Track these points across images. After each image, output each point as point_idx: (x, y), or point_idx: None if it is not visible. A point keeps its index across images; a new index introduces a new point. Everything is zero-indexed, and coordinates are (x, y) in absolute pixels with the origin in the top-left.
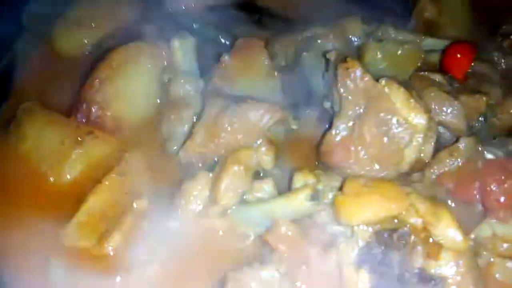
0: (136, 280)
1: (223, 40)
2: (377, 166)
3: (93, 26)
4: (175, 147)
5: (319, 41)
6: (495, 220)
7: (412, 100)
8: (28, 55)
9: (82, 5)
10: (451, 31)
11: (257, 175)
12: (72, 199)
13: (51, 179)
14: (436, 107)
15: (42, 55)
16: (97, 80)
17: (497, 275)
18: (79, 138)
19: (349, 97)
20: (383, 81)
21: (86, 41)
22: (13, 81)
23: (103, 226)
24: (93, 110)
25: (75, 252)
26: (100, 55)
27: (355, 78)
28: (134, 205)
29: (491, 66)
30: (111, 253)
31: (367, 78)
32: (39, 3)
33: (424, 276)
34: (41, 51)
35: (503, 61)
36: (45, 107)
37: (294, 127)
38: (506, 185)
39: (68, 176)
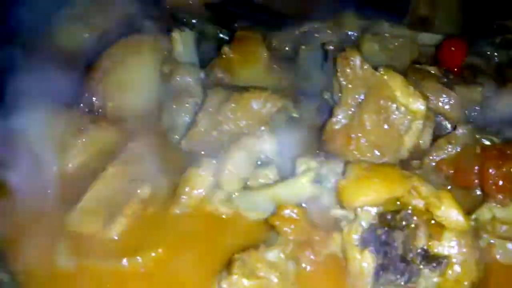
0: (141, 263)
1: (221, 35)
2: (377, 153)
3: (93, 21)
4: (176, 136)
5: (316, 35)
6: (494, 204)
7: (411, 87)
8: (28, 50)
9: (82, 0)
10: (445, 27)
11: (260, 162)
12: (76, 187)
13: (55, 168)
14: (433, 98)
15: (42, 50)
16: (99, 72)
17: (497, 256)
18: (82, 127)
19: (349, 86)
20: (381, 69)
21: (86, 36)
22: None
23: (108, 212)
24: (95, 100)
25: (80, 237)
26: (101, 50)
27: (354, 66)
28: (138, 191)
29: (484, 59)
30: (116, 238)
31: (366, 66)
32: None
33: (428, 256)
34: (41, 46)
35: (496, 55)
36: (45, 99)
37: (295, 115)
38: (504, 169)
39: (72, 165)
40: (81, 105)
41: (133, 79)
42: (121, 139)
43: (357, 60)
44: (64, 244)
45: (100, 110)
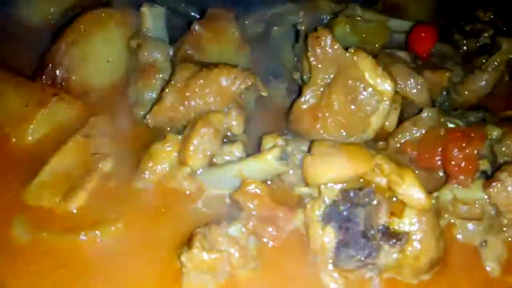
0: (100, 237)
1: (193, 14)
2: (344, 133)
3: None
4: (142, 112)
5: (289, 16)
6: (456, 185)
7: (379, 68)
8: None
9: None
10: (416, 14)
11: (227, 139)
12: (36, 160)
13: (14, 140)
14: (401, 81)
15: (7, 24)
16: (63, 44)
17: (458, 236)
18: (43, 100)
19: (319, 65)
20: (351, 50)
21: (52, 10)
22: None
23: (67, 186)
24: (58, 73)
25: (38, 210)
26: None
27: (325, 46)
28: (100, 165)
29: (454, 47)
30: (75, 211)
31: (336, 46)
32: None
33: (388, 233)
34: (5, 19)
35: (465, 43)
36: (7, 70)
37: (264, 94)
38: (467, 151)
39: (31, 138)
40: (44, 77)
41: (98, 52)
42: (84, 113)
43: (328, 40)
44: (21, 218)
45: (63, 83)
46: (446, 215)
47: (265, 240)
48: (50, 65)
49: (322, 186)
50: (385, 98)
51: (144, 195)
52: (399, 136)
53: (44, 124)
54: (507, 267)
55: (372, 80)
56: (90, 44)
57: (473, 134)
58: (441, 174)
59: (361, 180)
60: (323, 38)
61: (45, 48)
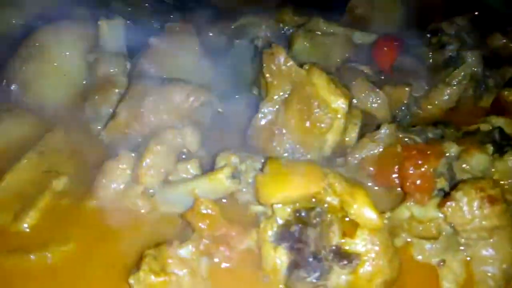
0: (50, 258)
1: (156, 25)
2: (301, 150)
3: (22, 6)
4: (98, 127)
5: (251, 29)
6: (412, 203)
7: (332, 85)
8: None
9: None
10: (381, 27)
11: (182, 156)
12: None
13: None
14: (362, 96)
15: None
16: (18, 58)
17: (417, 256)
18: None
19: (274, 82)
20: (306, 67)
21: (14, 22)
22: None
23: (20, 204)
24: (13, 88)
25: None
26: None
27: (279, 63)
28: (53, 184)
29: (417, 60)
30: (27, 230)
31: (290, 63)
32: None
33: (340, 253)
34: None
35: (430, 56)
36: None
37: (220, 110)
38: (423, 169)
39: None
40: None
41: (55, 67)
42: (39, 129)
43: (281, 57)
44: None
45: (18, 98)
46: (403, 234)
47: (217, 260)
48: (5, 80)
49: (275, 206)
50: (339, 116)
51: (97, 214)
52: (358, 152)
53: None
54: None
55: (326, 97)
56: (45, 58)
57: (429, 152)
58: (398, 190)
59: (314, 199)
60: (277, 55)
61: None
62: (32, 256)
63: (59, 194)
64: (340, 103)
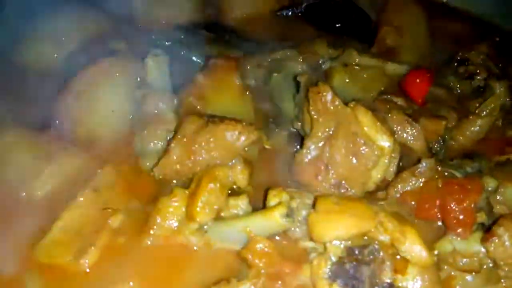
0: None
1: (195, 59)
2: (345, 185)
3: (62, 39)
4: (148, 163)
5: (288, 62)
6: (454, 237)
7: (378, 124)
8: None
9: (51, 18)
10: (410, 57)
11: (231, 191)
12: (45, 215)
13: (23, 194)
14: (399, 129)
15: (9, 69)
16: (70, 96)
17: None
18: (51, 153)
19: (320, 119)
20: (351, 105)
21: (55, 55)
22: None
23: (79, 243)
24: (66, 125)
25: (51, 268)
26: (72, 70)
27: (325, 101)
28: (109, 221)
29: (447, 91)
30: (87, 270)
31: (337, 102)
32: (7, 14)
33: None
34: (8, 64)
35: (458, 86)
36: (14, 122)
37: (267, 147)
38: (465, 204)
39: (40, 192)
40: (51, 130)
41: (104, 103)
42: (91, 166)
43: (328, 96)
44: (33, 276)
45: (70, 136)
46: (445, 267)
47: None
48: (57, 117)
49: (328, 243)
50: (385, 153)
51: (153, 251)
52: (398, 186)
53: (53, 178)
54: None
55: (372, 135)
56: (95, 95)
57: (470, 187)
58: (439, 223)
59: (365, 237)
60: (324, 93)
61: (50, 97)
62: None
63: (116, 232)
64: (386, 141)
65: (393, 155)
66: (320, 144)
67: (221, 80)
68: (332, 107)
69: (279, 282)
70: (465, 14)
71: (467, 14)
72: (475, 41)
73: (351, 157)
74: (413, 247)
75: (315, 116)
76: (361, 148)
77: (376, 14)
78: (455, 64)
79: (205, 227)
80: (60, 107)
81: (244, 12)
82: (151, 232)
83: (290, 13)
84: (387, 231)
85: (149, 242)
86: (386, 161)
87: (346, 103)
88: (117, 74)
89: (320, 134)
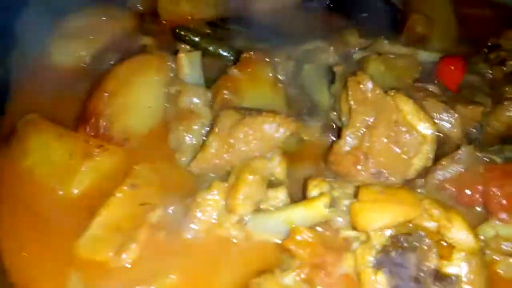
0: None
1: (223, 53)
2: (385, 173)
3: (90, 37)
4: (184, 158)
5: (319, 53)
6: (497, 222)
7: (421, 111)
8: (23, 68)
9: (77, 16)
10: (441, 44)
11: (269, 182)
12: (83, 212)
13: (61, 193)
14: (435, 116)
15: (39, 68)
16: (105, 93)
17: (501, 272)
18: (88, 151)
19: (359, 109)
20: (391, 93)
21: (83, 53)
22: (7, 95)
23: (119, 238)
24: (102, 123)
25: (92, 265)
26: (102, 68)
27: (366, 90)
28: (149, 216)
29: (480, 77)
30: (129, 266)
31: (378, 91)
32: (33, 13)
33: (438, 276)
34: (37, 63)
35: (490, 72)
36: (49, 121)
37: (305, 138)
38: (507, 189)
39: (77, 190)
40: (87, 128)
41: (139, 100)
42: (126, 161)
43: (369, 85)
44: (75, 273)
45: (106, 133)
46: (488, 252)
47: (319, 287)
48: (93, 115)
49: (372, 232)
50: (427, 141)
51: (194, 245)
52: (439, 173)
53: (89, 175)
54: None
55: (415, 123)
56: (130, 92)
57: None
58: (479, 209)
59: (410, 224)
60: (364, 83)
61: (81, 94)
62: None
63: (155, 227)
64: (429, 130)
65: None
66: (359, 134)
67: (254, 73)
68: (372, 96)
69: (323, 271)
70: (492, 0)
71: (495, 1)
72: (504, 27)
73: (392, 145)
74: (460, 233)
75: (354, 106)
76: (403, 136)
77: (402, 3)
78: (486, 50)
79: (246, 219)
80: (95, 105)
81: (270, 5)
82: (191, 226)
83: (315, 4)
84: (432, 218)
85: (189, 236)
86: (428, 148)
87: (385, 92)
88: (150, 70)
89: (359, 124)
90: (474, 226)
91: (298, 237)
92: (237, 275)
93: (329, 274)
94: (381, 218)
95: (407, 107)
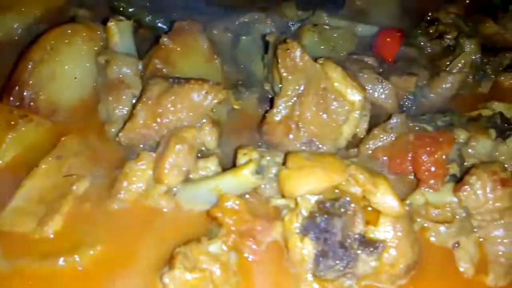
0: (79, 262)
1: (160, 25)
2: (316, 142)
3: (23, 10)
4: (113, 129)
5: (256, 25)
6: (427, 189)
7: (348, 78)
8: None
9: None
10: (381, 18)
11: (201, 153)
12: (8, 184)
13: None
14: (369, 87)
15: None
16: (30, 63)
17: (431, 239)
18: (12, 122)
19: (289, 77)
20: (321, 61)
21: (15, 26)
22: None
23: (42, 210)
24: (26, 93)
25: (14, 237)
26: (32, 39)
27: (294, 58)
28: (74, 187)
29: (418, 50)
30: (51, 236)
31: (306, 58)
32: None
33: (365, 241)
34: None
35: (429, 45)
36: None
37: (236, 107)
38: (436, 156)
39: (1, 161)
40: (11, 98)
41: (66, 70)
42: (54, 133)
43: (297, 52)
44: None
45: (31, 103)
46: (418, 219)
47: (245, 255)
48: (17, 85)
49: (299, 198)
50: (355, 108)
51: (121, 216)
52: (370, 142)
53: (14, 146)
54: (480, 267)
55: (343, 90)
56: (57, 62)
57: (441, 139)
58: (411, 177)
59: (336, 190)
60: (292, 50)
61: (10, 66)
62: (61, 262)
63: (81, 198)
64: (356, 96)
65: (364, 112)
66: (290, 103)
67: (187, 43)
68: (301, 64)
69: (251, 239)
70: None
71: None
72: (445, 1)
73: (321, 113)
74: (385, 198)
75: (284, 74)
76: (332, 104)
77: None
78: (426, 24)
79: (174, 189)
80: (20, 75)
81: None
82: (118, 196)
83: None
84: (358, 183)
85: (116, 207)
86: (356, 115)
87: (315, 59)
88: (78, 39)
89: (290, 92)
90: (406, 195)
91: (225, 205)
92: (165, 245)
93: (257, 242)
94: (307, 183)
95: (335, 74)
